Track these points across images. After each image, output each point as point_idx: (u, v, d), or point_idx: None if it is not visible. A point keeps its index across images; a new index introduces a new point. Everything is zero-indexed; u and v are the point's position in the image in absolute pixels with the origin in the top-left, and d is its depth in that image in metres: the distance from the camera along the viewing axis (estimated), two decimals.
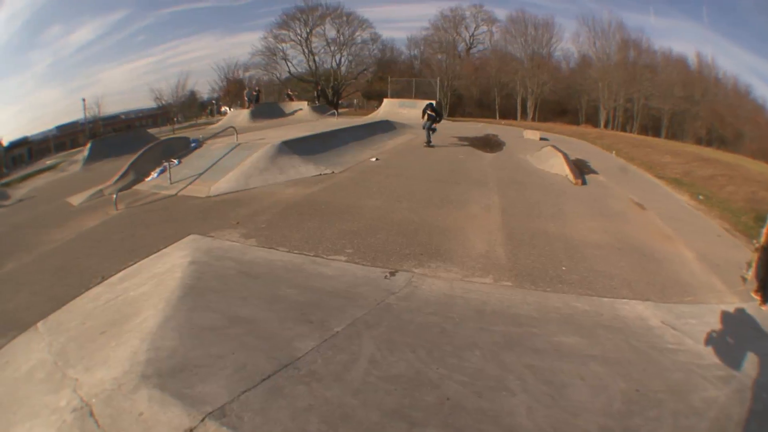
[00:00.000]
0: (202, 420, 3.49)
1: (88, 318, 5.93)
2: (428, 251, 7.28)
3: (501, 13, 57.12)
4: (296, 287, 5.89)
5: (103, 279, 7.40)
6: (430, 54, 56.62)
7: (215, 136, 19.98)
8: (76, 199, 14.10)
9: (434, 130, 18.32)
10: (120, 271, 7.59)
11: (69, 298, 6.83)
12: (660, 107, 45.12)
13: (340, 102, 52.04)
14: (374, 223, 8.74)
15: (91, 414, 3.76)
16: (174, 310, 5.29)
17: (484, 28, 55.55)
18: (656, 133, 43.89)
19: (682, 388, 3.68)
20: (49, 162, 30.04)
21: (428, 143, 18.12)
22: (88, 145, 24.58)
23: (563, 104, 50.24)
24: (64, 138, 56.01)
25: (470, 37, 56.00)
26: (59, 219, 12.37)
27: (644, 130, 44.66)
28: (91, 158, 22.66)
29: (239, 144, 15.46)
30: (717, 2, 49.45)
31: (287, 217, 9.33)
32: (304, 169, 13.35)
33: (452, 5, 55.67)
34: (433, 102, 18.70)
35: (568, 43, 54.57)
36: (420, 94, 34.24)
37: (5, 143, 52.26)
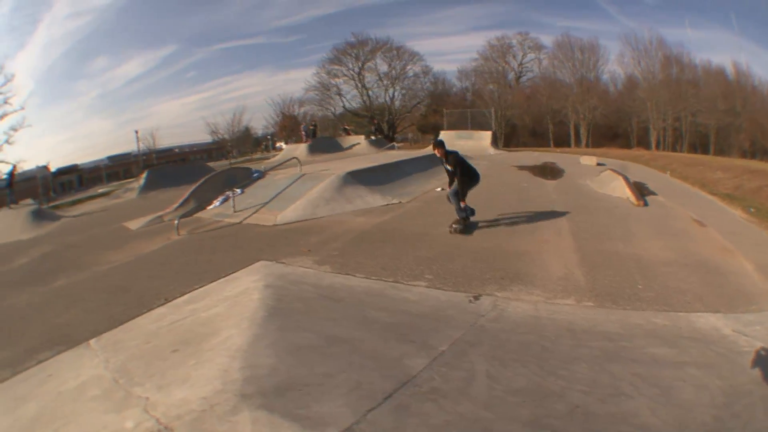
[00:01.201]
0: None
1: (152, 337, 5.82)
2: (508, 275, 7.60)
3: (546, 40, 59.01)
4: (383, 310, 6.04)
5: (166, 300, 7.38)
6: (481, 84, 58.47)
7: (277, 167, 20.73)
8: (133, 224, 14.60)
9: (462, 197, 10.23)
10: (185, 293, 7.57)
11: (127, 318, 6.85)
12: (706, 123, 45.66)
13: (395, 136, 53.23)
14: (449, 249, 9.13)
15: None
16: (262, 329, 5.21)
17: (532, 55, 57.43)
18: (704, 150, 44.24)
19: (762, 380, 4.31)
20: (101, 189, 31.36)
21: (460, 227, 10.40)
22: (144, 175, 25.81)
23: (614, 128, 51.27)
24: (117, 168, 59.00)
25: (519, 65, 57.91)
26: (116, 242, 12.76)
27: (693, 148, 45.17)
28: (147, 187, 23.68)
29: (303, 174, 16.05)
30: (740, 6, 52.30)
31: (359, 244, 9.71)
32: (371, 198, 13.73)
33: (498, 35, 58.02)
34: (442, 140, 10.84)
35: (614, 64, 55.10)
36: (475, 125, 35.11)
37: (53, 169, 55.26)
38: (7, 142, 42.01)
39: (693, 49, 53.90)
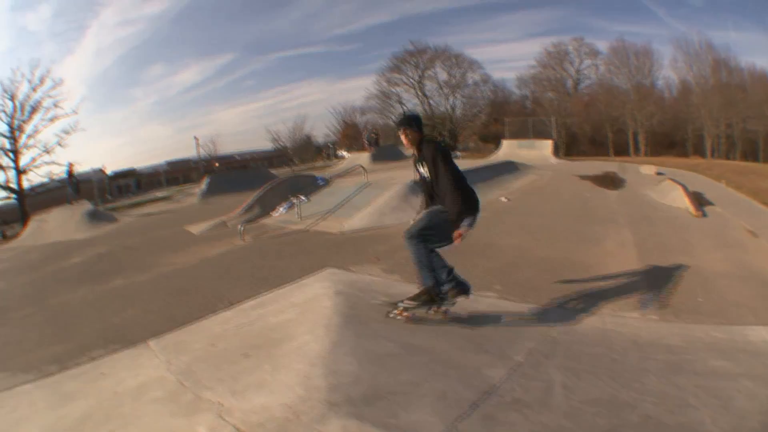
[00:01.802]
0: None
1: (218, 340, 5.74)
2: (574, 287, 7.58)
3: (601, 45, 58.86)
4: None
5: (231, 304, 7.35)
6: (540, 92, 58.59)
7: (342, 175, 21.29)
8: (195, 228, 14.97)
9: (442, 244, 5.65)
10: (251, 298, 7.53)
11: (190, 320, 6.85)
12: (755, 129, 45.01)
13: (457, 145, 53.56)
14: (516, 260, 9.20)
15: None
16: (339, 336, 5.17)
17: (588, 61, 57.29)
18: (754, 158, 43.61)
19: None
20: (159, 194, 32.17)
21: (422, 309, 5.77)
22: (206, 179, 26.46)
23: (671, 136, 51.07)
24: (176, 173, 61.10)
25: (576, 72, 57.71)
26: (178, 245, 13.04)
27: (744, 156, 44.52)
28: (209, 192, 24.40)
29: (369, 183, 16.40)
30: None
31: None
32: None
33: (555, 41, 58.55)
34: (414, 116, 6.01)
35: (668, 69, 55.11)
36: (536, 134, 35.48)
37: (109, 172, 57.57)
38: (59, 144, 43.69)
39: (738, 53, 55.65)
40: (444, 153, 5.58)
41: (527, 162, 24.45)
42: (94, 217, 19.82)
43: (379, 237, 11.42)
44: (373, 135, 38.54)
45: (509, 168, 22.00)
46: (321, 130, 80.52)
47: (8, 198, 44.90)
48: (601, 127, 53.71)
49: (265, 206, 16.13)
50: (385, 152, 33.27)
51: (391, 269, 8.67)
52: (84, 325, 7.66)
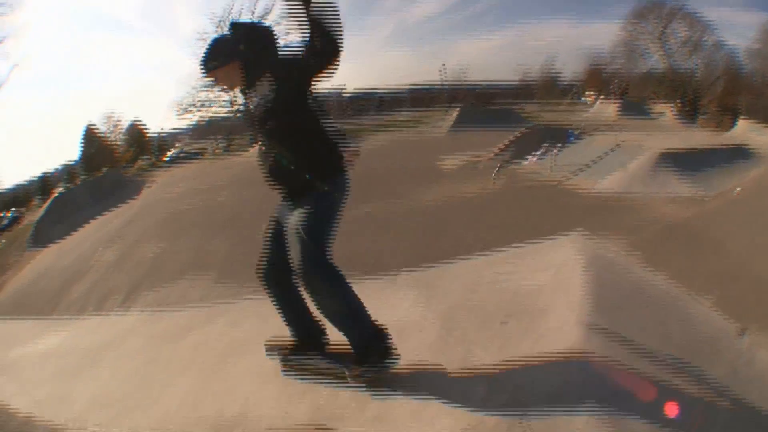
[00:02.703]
0: None
1: (473, 292, 5.61)
2: None
3: None
4: (679, 322, 5.40)
5: (482, 253, 7.24)
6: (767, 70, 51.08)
7: (594, 130, 20.60)
8: (446, 164, 15.49)
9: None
10: (501, 250, 7.34)
11: (438, 261, 6.88)
12: None
13: (695, 112, 50.25)
14: (748, 265, 8.08)
15: None
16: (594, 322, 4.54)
17: None
18: None
19: None
20: (402, 118, 33.23)
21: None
22: (457, 112, 26.63)
23: None
24: (419, 97, 62.84)
25: None
26: (428, 179, 13.75)
27: None
28: (457, 125, 24.70)
29: (622, 143, 15.95)
30: None
31: (667, 239, 9.31)
32: (679, 187, 13.37)
33: None
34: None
35: None
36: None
37: (349, 93, 60.64)
38: None
39: None
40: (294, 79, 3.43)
41: (760, 149, 21.86)
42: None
43: (626, 207, 11.32)
44: (622, 86, 36.62)
45: (741, 155, 19.83)
46: (566, 72, 77.52)
47: (235, 116, 49.96)
48: None
49: (517, 153, 16.20)
50: (632, 108, 31.98)
51: (633, 245, 8.35)
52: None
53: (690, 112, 45.58)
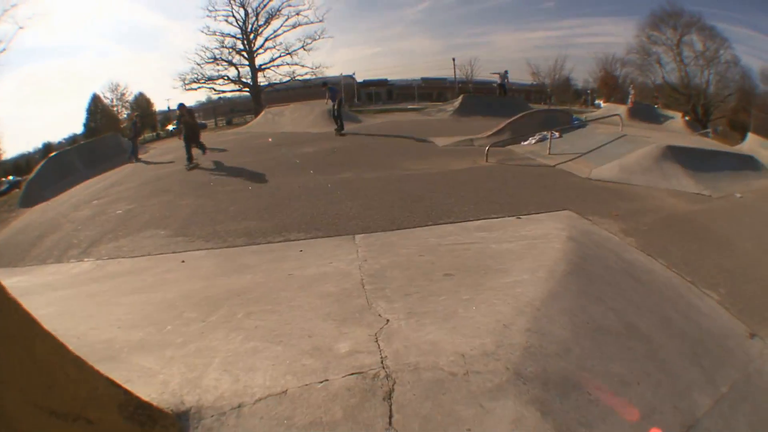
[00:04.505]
0: None
1: (428, 251, 5.45)
2: None
3: None
4: (679, 313, 5.31)
5: (456, 220, 7.19)
6: None
7: (598, 119, 20.78)
8: (441, 141, 15.16)
9: None
10: (479, 219, 7.31)
11: (408, 225, 6.89)
12: None
13: (707, 124, 48.68)
14: (751, 264, 7.88)
15: (391, 385, 2.81)
16: (560, 286, 4.34)
17: None
18: None
19: None
20: (411, 106, 33.40)
21: None
22: (461, 99, 26.87)
23: None
24: (430, 89, 62.84)
25: None
26: (420, 153, 13.36)
27: None
28: (461, 110, 24.58)
29: (625, 135, 15.76)
30: None
31: (667, 228, 8.89)
32: (684, 182, 12.87)
33: None
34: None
35: None
36: None
37: (360, 80, 60.93)
38: (303, 48, 47.83)
39: None
40: None
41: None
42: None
43: (625, 193, 10.96)
44: (632, 90, 36.96)
45: (750, 163, 19.11)
46: (582, 75, 77.34)
47: (240, 92, 50.91)
48: None
49: (516, 133, 15.79)
50: (642, 111, 31.91)
51: (629, 231, 8.11)
52: (293, 209, 8.10)
53: (701, 125, 45.91)
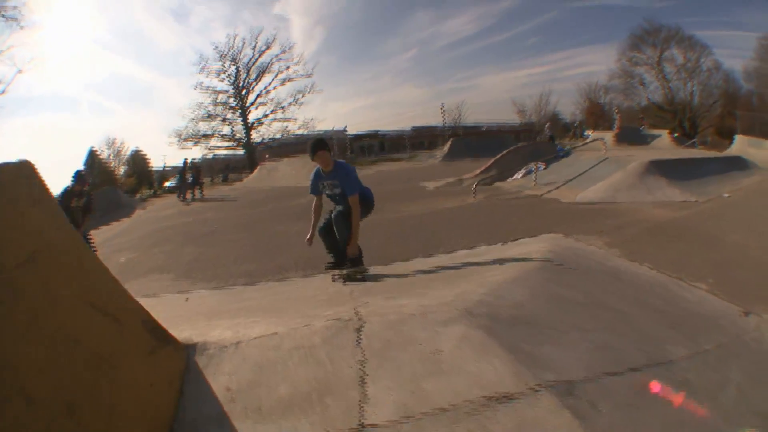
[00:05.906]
0: (535, 388, 2.88)
1: (413, 276, 6.04)
2: None
3: None
4: (661, 299, 5.72)
5: (444, 252, 7.66)
6: (763, 89, 50.67)
7: (582, 146, 21.45)
8: (431, 185, 15.82)
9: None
10: (467, 248, 7.79)
11: (399, 259, 7.44)
12: None
13: (695, 136, 48.75)
14: (737, 257, 8.02)
15: (361, 324, 3.59)
16: (528, 275, 5.03)
17: None
18: None
19: None
20: (402, 156, 33.96)
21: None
22: (449, 143, 27.05)
23: None
24: (421, 138, 63.73)
25: None
26: (411, 196, 13.88)
27: None
28: (451, 155, 25.51)
29: (608, 158, 16.10)
30: None
31: (654, 236, 9.22)
32: (669, 192, 13.27)
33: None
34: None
35: None
36: (763, 133, 30.75)
37: (351, 133, 61.77)
38: (294, 102, 48.68)
39: None
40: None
41: (758, 162, 21.69)
42: None
43: (609, 211, 11.27)
44: (617, 115, 37.67)
45: (738, 164, 19.79)
46: (569, 108, 78.46)
47: (234, 148, 51.43)
48: None
49: (503, 170, 16.39)
50: (628, 134, 32.48)
51: (613, 243, 8.43)
52: (291, 252, 8.63)
53: (689, 137, 45.85)
